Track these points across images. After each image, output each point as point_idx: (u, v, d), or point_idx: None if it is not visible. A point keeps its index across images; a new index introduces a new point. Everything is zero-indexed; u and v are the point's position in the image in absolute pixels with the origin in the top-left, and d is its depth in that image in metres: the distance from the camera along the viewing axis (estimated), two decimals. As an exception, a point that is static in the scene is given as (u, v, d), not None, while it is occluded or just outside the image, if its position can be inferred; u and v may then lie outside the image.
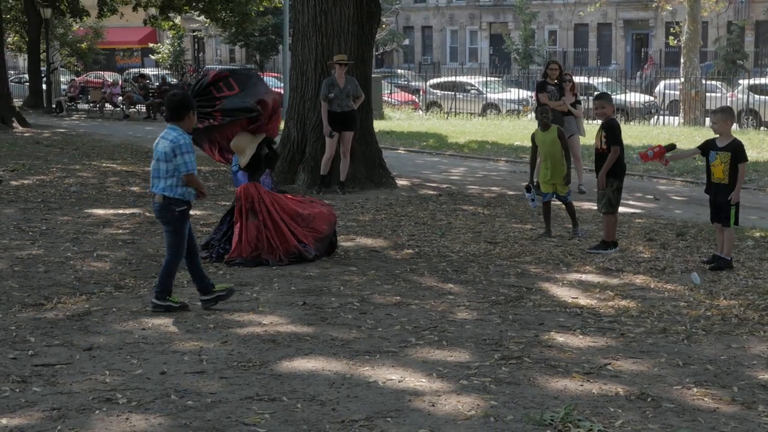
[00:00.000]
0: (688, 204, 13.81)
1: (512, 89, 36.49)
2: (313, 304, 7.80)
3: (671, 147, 9.93)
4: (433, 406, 5.45)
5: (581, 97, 17.94)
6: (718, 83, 32.34)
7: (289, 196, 10.10)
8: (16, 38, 45.86)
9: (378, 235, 11.05)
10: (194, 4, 34.94)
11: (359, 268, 9.24)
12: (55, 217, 12.07)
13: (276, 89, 37.90)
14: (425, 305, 7.84)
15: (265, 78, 40.42)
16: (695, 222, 11.97)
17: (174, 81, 40.10)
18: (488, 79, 37.41)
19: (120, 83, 41.08)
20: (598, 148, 10.12)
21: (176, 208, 7.46)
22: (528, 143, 11.31)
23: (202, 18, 38.53)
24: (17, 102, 34.67)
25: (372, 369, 6.10)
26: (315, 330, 7.03)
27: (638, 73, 46.14)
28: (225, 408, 5.40)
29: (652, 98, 34.18)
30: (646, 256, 9.98)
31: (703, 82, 31.08)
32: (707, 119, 28.93)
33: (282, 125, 16.94)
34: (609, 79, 36.52)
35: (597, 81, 33.90)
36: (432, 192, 14.84)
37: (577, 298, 8.17)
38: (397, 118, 32.36)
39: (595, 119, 30.65)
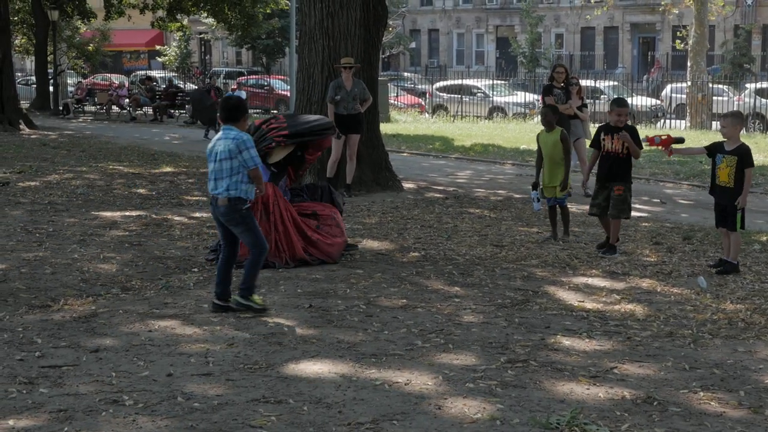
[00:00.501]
0: (694, 208, 13.79)
1: (519, 92, 36.51)
2: (320, 306, 7.80)
3: (680, 140, 9.87)
4: (440, 409, 5.45)
5: (588, 101, 17.95)
6: (725, 87, 32.30)
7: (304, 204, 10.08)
8: (23, 40, 45.99)
9: (384, 238, 11.05)
10: (202, 5, 35.01)
11: (365, 271, 9.24)
12: (62, 219, 12.10)
13: (282, 92, 38.02)
14: (431, 308, 7.84)
15: (271, 81, 40.65)
16: (702, 226, 11.95)
17: (180, 83, 40.16)
18: (495, 82, 37.42)
19: (127, 85, 41.19)
20: (611, 151, 10.02)
21: (242, 206, 7.46)
22: (534, 146, 11.30)
23: (209, 20, 38.57)
24: (24, 104, 34.76)
25: (378, 372, 6.10)
26: (321, 332, 7.03)
27: (645, 77, 46.10)
28: (231, 410, 5.40)
29: (658, 102, 34.16)
30: (652, 259, 9.97)
31: (710, 85, 31.04)
32: (714, 123, 28.94)
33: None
34: (615, 83, 36.52)
35: (603, 84, 33.88)
36: (438, 195, 14.84)
37: (583, 301, 8.17)
38: (403, 121, 32.37)
39: (602, 122, 30.64)
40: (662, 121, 31.62)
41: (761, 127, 28.50)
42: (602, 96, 32.54)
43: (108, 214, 12.57)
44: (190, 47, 60.96)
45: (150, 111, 35.26)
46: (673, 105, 33.18)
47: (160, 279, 8.83)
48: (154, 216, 12.41)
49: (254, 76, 43.76)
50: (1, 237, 10.86)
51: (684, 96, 31.70)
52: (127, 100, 36.12)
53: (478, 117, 33.49)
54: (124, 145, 23.35)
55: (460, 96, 35.11)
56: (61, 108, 36.77)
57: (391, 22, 42.76)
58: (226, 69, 53.24)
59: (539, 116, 15.17)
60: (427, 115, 35.63)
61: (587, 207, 13.51)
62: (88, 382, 5.88)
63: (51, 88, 38.26)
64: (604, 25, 56.18)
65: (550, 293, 8.45)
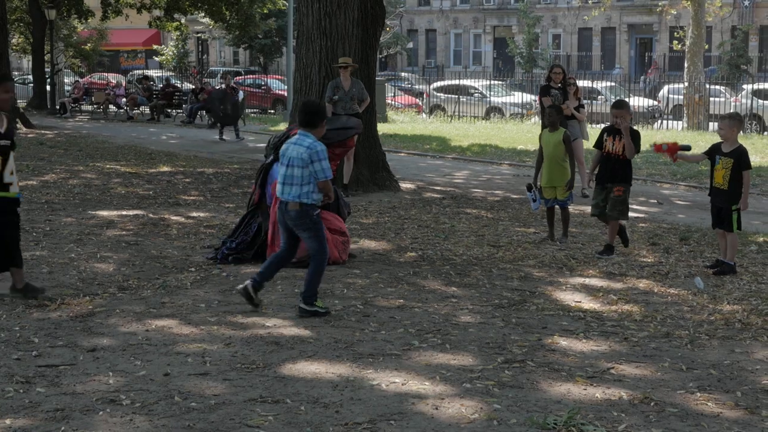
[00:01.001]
0: (691, 208, 13.81)
1: (516, 93, 36.50)
2: (317, 306, 7.80)
3: (686, 147, 9.86)
4: (437, 409, 5.45)
5: (585, 101, 17.95)
6: (722, 88, 32.34)
7: None
8: (20, 39, 45.95)
9: (381, 238, 11.05)
10: (199, 5, 34.99)
11: (362, 271, 9.24)
12: (59, 218, 12.09)
13: (279, 92, 38.04)
14: (428, 308, 7.84)
15: (268, 80, 40.66)
16: (699, 226, 11.97)
17: (177, 82, 40.13)
18: (492, 82, 37.42)
19: (124, 85, 41.17)
20: (611, 152, 10.00)
21: (313, 212, 7.44)
22: (531, 146, 11.31)
23: (206, 20, 38.56)
24: (21, 103, 34.73)
25: (375, 372, 6.10)
26: (318, 332, 7.03)
27: (642, 78, 46.14)
28: (228, 410, 5.40)
29: (655, 102, 34.18)
30: (649, 260, 9.98)
31: (707, 86, 31.07)
32: (711, 124, 28.98)
33: (285, 128, 16.96)
34: (613, 84, 36.53)
35: (601, 85, 33.90)
36: (435, 195, 14.84)
37: (580, 302, 8.17)
38: (400, 121, 32.37)
39: (601, 123, 30.63)
40: (659, 121, 31.65)
41: (758, 128, 28.52)
42: (599, 97, 32.57)
43: (105, 213, 12.57)
44: (188, 47, 60.94)
45: (147, 110, 35.24)
46: (670, 106, 33.21)
47: (158, 278, 8.82)
48: (151, 215, 12.40)
49: (251, 76, 43.76)
50: (-2, 236, 10.84)
51: (681, 97, 31.73)
52: (124, 100, 36.10)
53: (475, 117, 33.49)
54: (121, 145, 23.34)
55: (457, 96, 35.12)
56: (58, 107, 36.73)
57: (388, 22, 42.77)
58: (223, 69, 53.20)
59: (538, 116, 15.20)
60: (424, 115, 35.63)
61: (587, 208, 13.55)
62: (85, 382, 5.87)
63: (48, 88, 38.21)
64: (601, 25, 56.25)
65: (547, 294, 8.46)
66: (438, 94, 36.85)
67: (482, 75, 42.67)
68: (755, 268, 9.59)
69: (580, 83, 19.60)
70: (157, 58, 59.55)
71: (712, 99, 30.24)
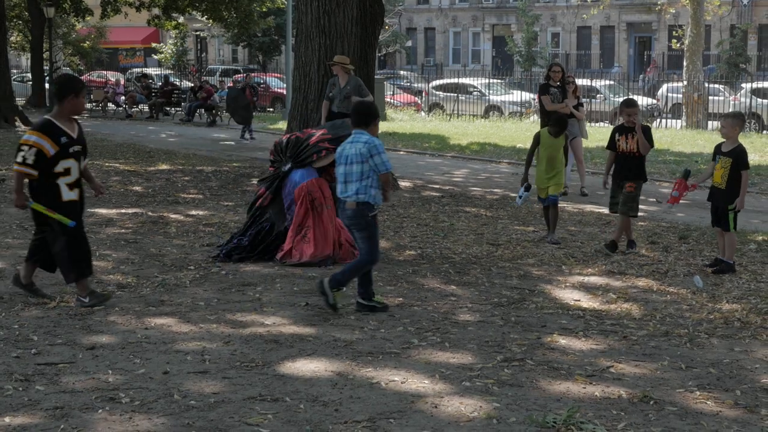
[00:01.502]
0: (690, 207, 13.81)
1: (515, 91, 36.50)
2: (316, 304, 7.79)
3: (686, 174, 9.94)
4: (436, 407, 5.45)
5: (584, 100, 17.95)
6: (721, 87, 32.35)
7: None
8: (19, 37, 45.97)
9: (380, 237, 11.03)
10: (197, 4, 34.95)
11: (362, 269, 9.22)
12: (58, 216, 12.06)
13: (278, 90, 38.03)
14: (428, 307, 7.84)
15: (267, 79, 40.64)
16: (698, 225, 11.97)
17: (176, 80, 40.10)
18: (491, 81, 37.41)
19: (123, 83, 41.15)
20: (625, 151, 10.07)
21: (369, 212, 7.46)
22: (530, 144, 11.30)
23: (205, 18, 38.54)
24: (20, 101, 34.71)
25: (375, 370, 6.10)
26: (317, 331, 7.03)
27: (641, 76, 46.15)
28: (228, 408, 5.40)
29: (654, 101, 34.18)
30: (648, 259, 9.98)
31: (706, 85, 31.07)
32: (710, 123, 28.99)
33: (285, 126, 16.97)
34: (612, 82, 36.53)
35: (600, 84, 33.91)
36: (434, 194, 14.84)
37: (579, 300, 8.18)
38: (399, 119, 32.37)
39: (600, 122, 30.56)
40: (658, 120, 31.65)
41: (757, 127, 28.53)
42: (598, 95, 32.58)
43: (104, 211, 12.56)
44: (186, 45, 60.92)
45: (146, 108, 35.22)
46: (669, 104, 33.21)
47: (157, 277, 8.82)
48: (150, 214, 12.40)
49: (251, 74, 43.68)
50: (-3, 234, 10.85)
51: (680, 95, 31.74)
52: (123, 98, 36.10)
53: (474, 116, 33.49)
54: (120, 143, 23.33)
55: (456, 95, 35.12)
56: (56, 105, 36.68)
57: (387, 21, 42.76)
58: (222, 67, 53.18)
59: (536, 115, 15.17)
60: (423, 113, 35.63)
61: (585, 206, 13.56)
62: (85, 380, 5.87)
63: (47, 85, 38.20)
64: (600, 24, 56.25)
65: (546, 292, 8.46)
66: (437, 93, 36.85)
67: (481, 73, 42.66)
68: (754, 267, 9.59)
69: (579, 82, 19.61)
70: (155, 56, 59.54)
71: (711, 98, 30.25)
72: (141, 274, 8.95)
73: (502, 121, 32.31)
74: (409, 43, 62.59)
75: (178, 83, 38.74)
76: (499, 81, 38.32)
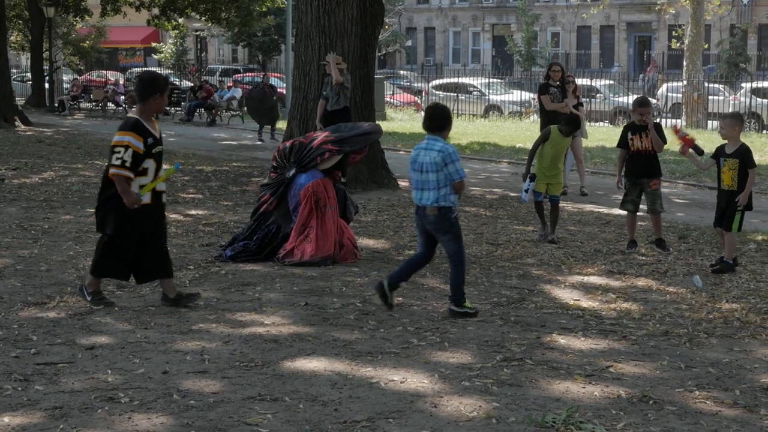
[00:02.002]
0: (689, 207, 13.81)
1: (515, 91, 36.50)
2: (315, 304, 7.80)
3: (699, 151, 9.99)
4: (435, 407, 5.45)
5: (583, 99, 17.95)
6: (721, 86, 32.34)
7: None
8: (19, 37, 45.93)
9: (380, 236, 11.05)
10: (196, 5, 34.91)
11: (361, 269, 9.24)
12: (58, 216, 12.08)
13: (279, 90, 37.99)
14: (427, 306, 7.84)
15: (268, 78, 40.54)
16: (697, 225, 11.97)
17: (176, 80, 40.09)
18: (491, 80, 37.41)
19: (122, 82, 41.12)
20: (640, 149, 10.13)
21: (451, 215, 7.48)
22: (530, 144, 11.29)
23: (203, 20, 38.51)
24: (20, 100, 34.69)
25: (374, 370, 6.10)
26: (317, 330, 7.03)
27: (641, 76, 46.16)
28: (227, 408, 5.40)
29: (654, 101, 34.17)
30: (648, 258, 9.98)
31: (706, 85, 31.06)
32: (710, 122, 28.97)
33: (285, 125, 16.96)
34: (611, 82, 36.53)
35: (599, 83, 33.90)
36: (434, 193, 14.81)
37: (579, 300, 8.18)
38: (399, 119, 32.37)
39: (600, 122, 30.56)
40: (658, 120, 31.60)
41: (757, 126, 28.52)
42: (598, 95, 32.57)
43: (103, 211, 12.53)
44: (186, 44, 60.90)
45: (145, 108, 35.14)
46: (669, 104, 33.19)
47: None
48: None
49: (250, 74, 43.71)
50: (-3, 234, 10.84)
51: (680, 95, 31.74)
52: (122, 97, 36.06)
53: (474, 115, 33.48)
54: (120, 142, 23.27)
55: (456, 94, 35.11)
56: (56, 105, 36.71)
57: (387, 20, 42.75)
58: (222, 66, 53.17)
59: (536, 114, 15.18)
60: (423, 113, 35.58)
61: (585, 206, 13.55)
62: (84, 380, 5.87)
63: (47, 85, 38.19)
64: (600, 23, 56.25)
65: (545, 292, 8.46)
66: (437, 92, 36.80)
67: (481, 73, 42.67)
68: (754, 267, 9.59)
69: (579, 81, 19.60)
70: (155, 56, 59.48)
71: (710, 97, 30.24)
72: (140, 273, 8.93)
73: (501, 120, 32.31)
74: (409, 43, 62.57)
75: (177, 83, 38.71)
76: (498, 81, 38.33)
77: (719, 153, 9.46)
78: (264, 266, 9.27)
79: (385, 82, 35.64)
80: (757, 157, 18.83)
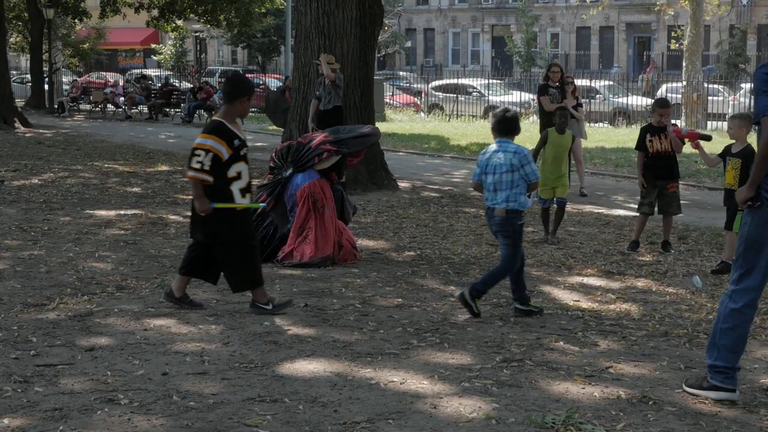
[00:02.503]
0: (689, 207, 13.80)
1: (514, 92, 36.50)
2: (315, 305, 7.80)
3: (706, 138, 10.02)
4: (435, 408, 5.45)
5: (583, 100, 17.95)
6: (720, 87, 32.35)
7: None
8: (18, 38, 45.95)
9: (380, 237, 11.05)
10: (195, 7, 34.91)
11: (361, 270, 9.24)
12: (57, 218, 12.08)
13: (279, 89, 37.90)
14: (427, 307, 7.84)
15: (266, 79, 40.62)
16: (697, 225, 11.97)
17: (176, 81, 40.09)
18: (490, 81, 37.42)
19: (122, 84, 41.15)
20: (660, 151, 10.16)
21: (517, 221, 7.53)
22: (530, 145, 11.28)
23: (202, 22, 38.51)
24: (19, 102, 34.70)
25: (374, 371, 6.10)
26: (317, 331, 7.03)
27: (640, 76, 46.16)
28: (227, 409, 5.40)
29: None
30: (647, 259, 9.99)
31: (705, 85, 31.07)
32: (709, 123, 28.99)
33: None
34: (611, 82, 36.54)
35: (599, 84, 33.91)
36: (434, 194, 14.84)
37: (578, 301, 8.18)
38: (398, 120, 32.37)
39: (599, 122, 30.56)
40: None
41: (756, 127, 28.51)
42: (597, 96, 32.58)
43: (103, 212, 12.56)
44: (186, 46, 60.92)
45: (145, 109, 35.21)
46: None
47: (156, 278, 8.82)
48: (149, 215, 12.40)
49: (250, 75, 43.73)
50: (-4, 235, 10.85)
51: (679, 96, 31.75)
52: (122, 99, 36.08)
53: (473, 116, 33.48)
54: (120, 144, 23.32)
55: (455, 95, 35.12)
56: (56, 106, 36.72)
57: (386, 21, 42.76)
58: (222, 67, 53.17)
59: (536, 115, 15.16)
60: (422, 114, 35.63)
61: (585, 207, 13.56)
62: (84, 381, 5.86)
63: (46, 87, 38.20)
64: (599, 24, 56.26)
65: (545, 293, 8.46)
66: (436, 93, 36.84)
67: (480, 74, 42.70)
68: (753, 267, 9.57)
69: (578, 82, 19.60)
70: (155, 57, 59.53)
71: (710, 98, 30.25)
72: (140, 275, 8.95)
73: (501, 121, 32.23)
74: (409, 44, 62.60)
75: (177, 84, 38.72)
76: (498, 81, 38.33)
77: (726, 152, 9.48)
78: (264, 267, 9.24)
79: (384, 83, 35.64)
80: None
